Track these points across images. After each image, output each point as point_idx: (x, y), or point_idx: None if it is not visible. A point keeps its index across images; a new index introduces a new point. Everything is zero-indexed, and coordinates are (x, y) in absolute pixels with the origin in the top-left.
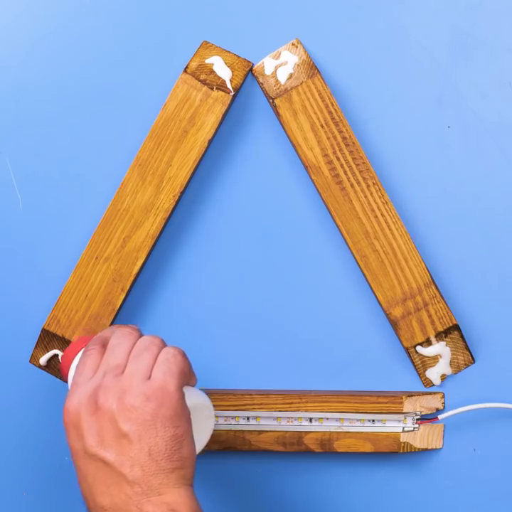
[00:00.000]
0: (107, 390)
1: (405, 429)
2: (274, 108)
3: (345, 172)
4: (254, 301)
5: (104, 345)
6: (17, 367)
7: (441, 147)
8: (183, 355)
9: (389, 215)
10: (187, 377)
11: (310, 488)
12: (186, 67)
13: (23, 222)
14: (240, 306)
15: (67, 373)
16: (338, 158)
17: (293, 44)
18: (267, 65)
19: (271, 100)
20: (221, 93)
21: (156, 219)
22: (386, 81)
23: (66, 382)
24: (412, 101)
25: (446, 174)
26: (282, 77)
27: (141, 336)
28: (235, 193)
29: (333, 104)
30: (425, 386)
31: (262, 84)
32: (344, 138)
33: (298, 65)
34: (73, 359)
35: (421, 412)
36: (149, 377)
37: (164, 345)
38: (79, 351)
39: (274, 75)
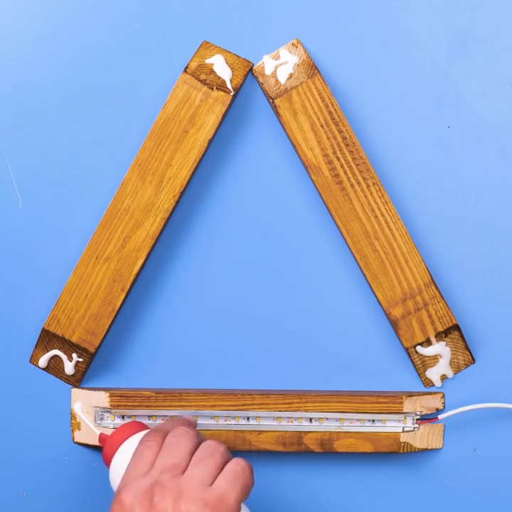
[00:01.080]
0: (164, 489)
1: (405, 429)
2: (274, 108)
3: (345, 172)
4: (254, 301)
5: (163, 439)
6: (17, 367)
7: (441, 147)
8: (252, 472)
9: (389, 215)
10: (248, 494)
11: (310, 488)
12: (186, 67)
13: (23, 222)
14: (240, 306)
15: (110, 458)
16: (338, 158)
17: (293, 44)
18: (267, 65)
19: (271, 100)
20: (221, 93)
21: (156, 219)
22: (386, 81)
23: (107, 465)
24: (412, 101)
25: (446, 174)
26: (282, 77)
27: (198, 435)
28: (235, 193)
29: (333, 104)
30: (425, 386)
31: (262, 84)
32: (344, 138)
33: (298, 65)
34: (119, 444)
35: (421, 412)
36: (210, 484)
37: (228, 454)
38: (126, 438)
39: (274, 75)
